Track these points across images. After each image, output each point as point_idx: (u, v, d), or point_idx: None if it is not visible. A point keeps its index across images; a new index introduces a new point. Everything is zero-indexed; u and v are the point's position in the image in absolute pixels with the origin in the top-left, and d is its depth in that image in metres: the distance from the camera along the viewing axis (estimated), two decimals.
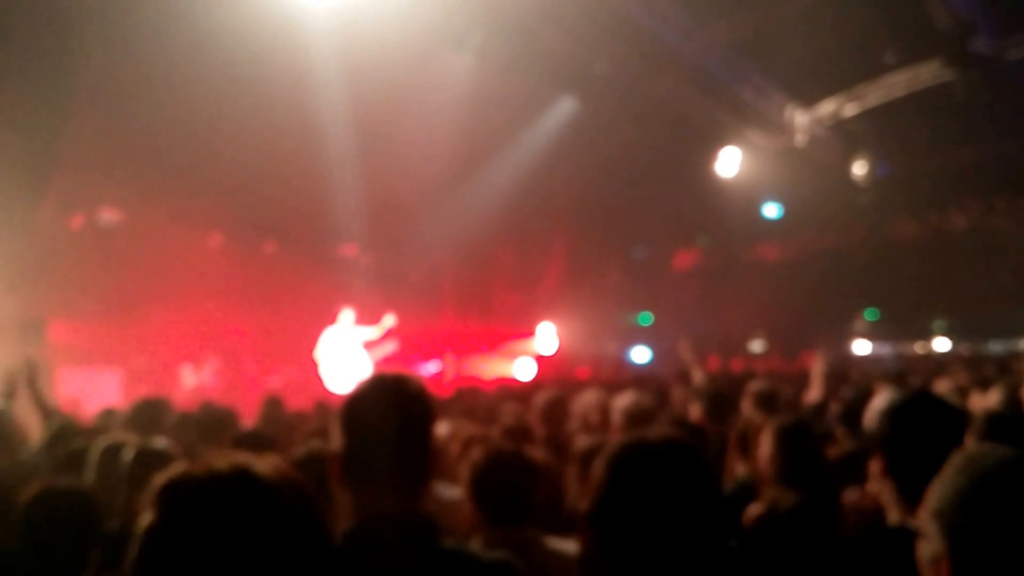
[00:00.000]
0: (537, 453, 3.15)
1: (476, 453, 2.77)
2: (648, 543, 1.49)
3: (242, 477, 1.17)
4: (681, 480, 1.53)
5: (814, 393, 5.74)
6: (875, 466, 2.15)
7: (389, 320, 11.59)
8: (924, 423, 2.11)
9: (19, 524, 2.61)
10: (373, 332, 11.60)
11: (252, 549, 1.12)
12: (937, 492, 1.36)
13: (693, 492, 1.53)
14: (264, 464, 1.20)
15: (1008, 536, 1.25)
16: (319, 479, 2.77)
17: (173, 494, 1.15)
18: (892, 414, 2.17)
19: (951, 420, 2.14)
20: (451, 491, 3.09)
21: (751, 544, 2.93)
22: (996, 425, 3.12)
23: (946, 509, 1.32)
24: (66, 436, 4.38)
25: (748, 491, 3.32)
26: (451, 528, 1.81)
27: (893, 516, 2.08)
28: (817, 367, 5.89)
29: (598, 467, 1.59)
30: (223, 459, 1.20)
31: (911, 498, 1.99)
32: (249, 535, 1.12)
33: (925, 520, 1.37)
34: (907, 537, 1.82)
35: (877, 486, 2.18)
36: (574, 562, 2.53)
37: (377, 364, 11.38)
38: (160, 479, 1.18)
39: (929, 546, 1.34)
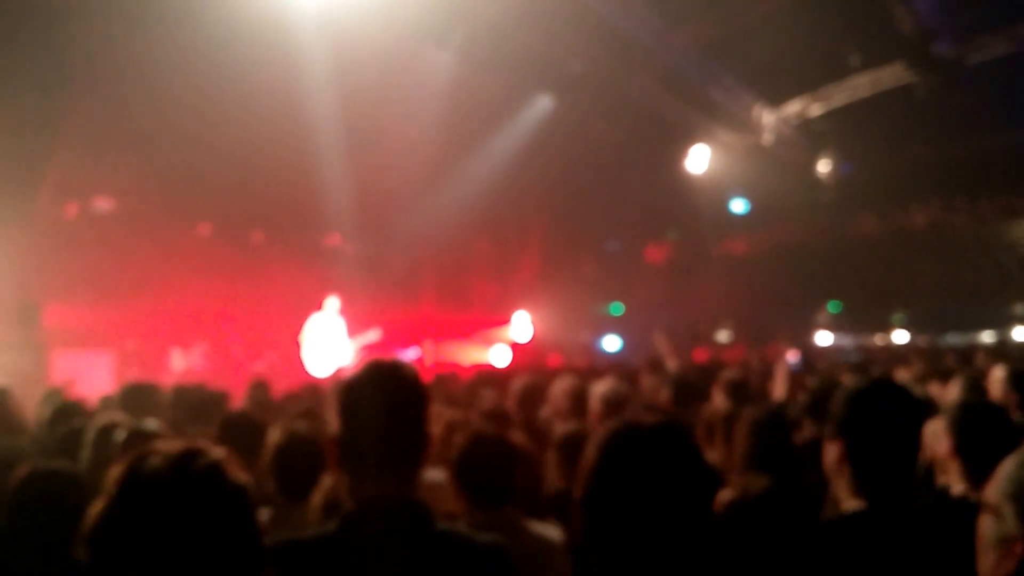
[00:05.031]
0: (516, 437, 3.17)
1: (459, 437, 2.81)
2: (641, 525, 1.51)
3: (187, 467, 1.28)
4: (675, 462, 1.55)
5: (778, 393, 5.59)
6: (832, 452, 2.07)
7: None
8: (884, 410, 2.04)
9: (7, 504, 2.63)
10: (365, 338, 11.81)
11: (190, 533, 1.24)
12: (1010, 475, 1.34)
13: (686, 474, 1.55)
14: (210, 454, 1.33)
15: None
16: (303, 459, 2.98)
17: (127, 480, 1.27)
18: (852, 400, 2.08)
19: (911, 408, 2.09)
20: (432, 473, 3.06)
21: (724, 528, 2.92)
22: (972, 413, 3.12)
23: (1021, 493, 1.31)
24: (66, 416, 4.40)
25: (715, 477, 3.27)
26: (433, 510, 1.83)
27: (848, 503, 2.02)
28: (782, 368, 5.78)
29: (591, 451, 1.60)
30: (173, 447, 1.32)
31: (868, 483, 1.99)
32: (189, 521, 1.24)
33: (996, 502, 1.35)
34: (872, 521, 1.93)
35: (832, 471, 2.10)
36: (553, 546, 2.63)
37: (360, 350, 11.58)
38: (119, 467, 1.29)
39: (998, 527, 1.33)
